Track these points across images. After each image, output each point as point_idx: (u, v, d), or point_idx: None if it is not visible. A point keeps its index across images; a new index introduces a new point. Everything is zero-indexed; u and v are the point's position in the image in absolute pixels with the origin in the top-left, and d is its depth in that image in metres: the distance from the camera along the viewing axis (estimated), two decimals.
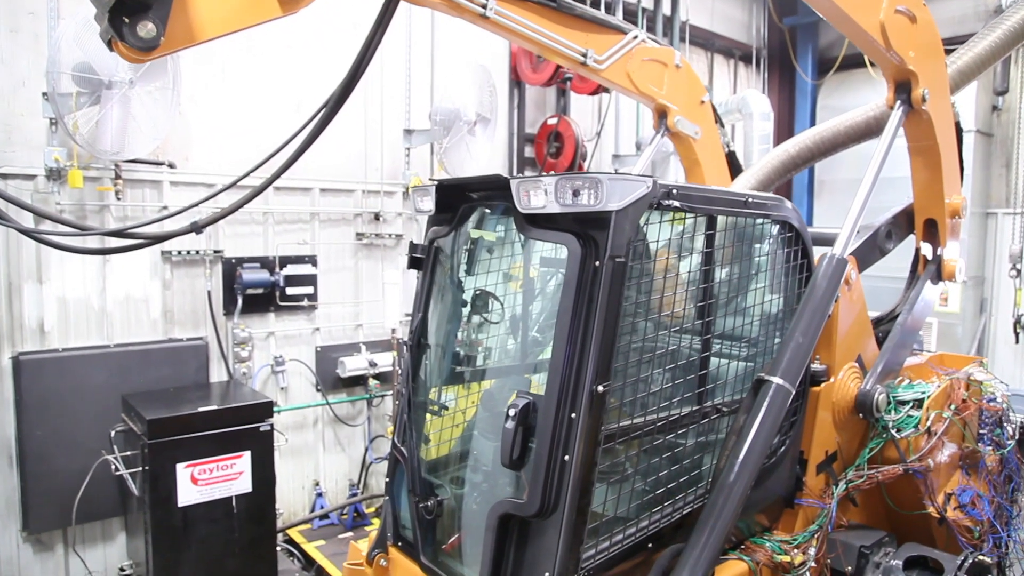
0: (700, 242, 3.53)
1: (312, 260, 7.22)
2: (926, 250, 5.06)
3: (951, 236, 4.98)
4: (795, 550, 4.00)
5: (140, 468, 5.45)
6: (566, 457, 3.03)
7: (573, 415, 3.02)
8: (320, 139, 7.26)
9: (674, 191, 3.23)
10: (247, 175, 4.51)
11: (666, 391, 3.36)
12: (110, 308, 6.22)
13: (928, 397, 4.50)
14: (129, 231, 4.62)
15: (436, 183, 3.74)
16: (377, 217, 7.67)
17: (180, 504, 5.46)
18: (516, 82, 8.84)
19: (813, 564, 3.99)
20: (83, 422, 5.96)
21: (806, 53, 11.77)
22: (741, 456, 3.42)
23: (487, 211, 3.88)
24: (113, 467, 5.48)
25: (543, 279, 4.18)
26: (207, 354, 6.63)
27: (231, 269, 6.73)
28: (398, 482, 4.02)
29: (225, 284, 6.74)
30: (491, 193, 3.62)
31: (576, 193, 3.01)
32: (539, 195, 3.07)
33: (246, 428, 5.72)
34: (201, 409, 5.61)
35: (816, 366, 4.27)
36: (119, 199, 6.03)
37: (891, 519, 4.64)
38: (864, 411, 4.34)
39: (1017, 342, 9.65)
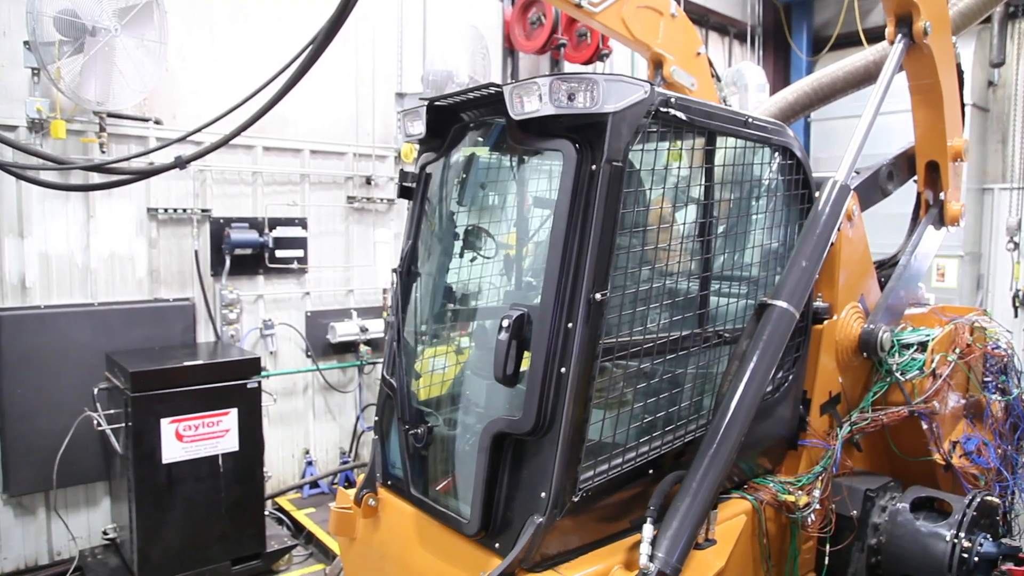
0: (699, 161, 3.42)
1: (302, 223, 7.08)
2: (928, 194, 4.97)
3: (953, 180, 4.89)
4: (799, 491, 3.88)
5: (123, 424, 5.30)
6: (562, 370, 2.91)
7: (570, 325, 2.90)
8: (310, 100, 7.19)
9: (672, 100, 3.11)
10: (237, 107, 4.38)
11: (665, 310, 3.24)
12: (94, 265, 6.07)
13: (932, 340, 4.40)
14: (111, 165, 4.50)
15: (426, 103, 3.61)
16: (369, 181, 7.54)
17: (164, 461, 5.31)
18: (509, 50, 8.73)
19: (817, 506, 3.87)
20: (66, 381, 5.80)
21: (801, 31, 11.69)
22: (745, 379, 3.31)
23: (480, 138, 3.76)
24: (95, 422, 5.33)
25: (538, 215, 4.06)
26: (194, 315, 6.48)
27: (219, 229, 6.58)
28: (387, 420, 3.88)
29: (213, 244, 6.60)
30: (483, 110, 3.49)
31: (571, 96, 2.90)
32: (533, 99, 2.94)
33: (233, 385, 5.57)
34: (186, 363, 5.46)
35: (818, 304, 4.17)
36: (104, 152, 5.88)
37: (895, 467, 4.53)
38: (868, 350, 4.24)
39: (1016, 316, 9.58)
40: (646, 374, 3.20)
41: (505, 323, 2.92)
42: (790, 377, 3.95)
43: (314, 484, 7.25)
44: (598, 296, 2.90)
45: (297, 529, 6.51)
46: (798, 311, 3.49)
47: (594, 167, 2.91)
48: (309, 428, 7.39)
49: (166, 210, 6.33)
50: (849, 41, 10.83)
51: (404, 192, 3.94)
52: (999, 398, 4.84)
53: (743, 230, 3.67)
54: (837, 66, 5.36)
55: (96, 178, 5.42)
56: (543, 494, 2.92)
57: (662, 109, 3.05)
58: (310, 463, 7.30)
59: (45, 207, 5.83)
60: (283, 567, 5.99)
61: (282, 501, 6.97)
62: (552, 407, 2.92)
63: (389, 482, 3.83)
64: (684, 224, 3.38)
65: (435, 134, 3.70)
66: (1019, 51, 9.85)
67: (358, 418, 7.59)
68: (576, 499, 2.95)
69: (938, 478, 4.46)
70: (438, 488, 3.50)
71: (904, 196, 5.20)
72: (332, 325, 7.21)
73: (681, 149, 3.27)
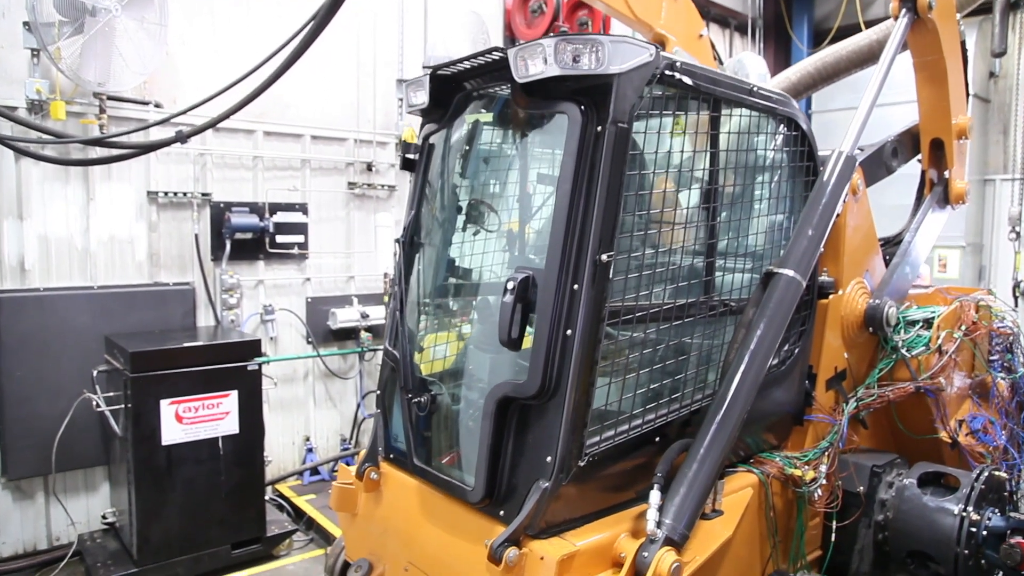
0: (704, 129, 3.39)
1: (303, 208, 7.04)
2: (932, 173, 4.95)
3: (958, 157, 4.86)
4: (805, 466, 3.85)
5: (123, 406, 5.26)
6: (568, 332, 2.88)
7: (575, 287, 2.87)
8: (311, 85, 7.17)
9: (678, 64, 3.09)
10: (239, 81, 4.36)
11: (670, 276, 3.22)
12: (94, 248, 6.03)
13: (938, 316, 4.38)
14: (111, 139, 4.47)
15: (429, 71, 3.58)
16: (370, 167, 7.50)
17: (164, 442, 5.27)
18: (510, 39, 8.71)
19: (824, 482, 3.84)
20: (65, 364, 5.76)
21: (802, 23, 11.68)
22: (751, 347, 3.28)
23: (483, 109, 3.73)
24: (94, 403, 5.29)
25: (541, 191, 4.03)
26: (194, 299, 6.44)
27: (219, 213, 6.55)
28: (390, 393, 3.85)
29: (213, 229, 6.56)
30: (487, 78, 3.46)
31: (576, 58, 2.87)
32: (537, 61, 2.92)
33: (233, 367, 5.53)
34: (186, 344, 5.42)
35: (824, 278, 4.14)
36: (103, 134, 5.84)
37: (900, 446, 4.50)
38: (874, 325, 4.22)
39: (1016, 306, 9.55)
40: (652, 340, 3.17)
41: (510, 285, 2.89)
42: (796, 351, 3.92)
43: (315, 471, 7.20)
44: (604, 257, 2.87)
45: (297, 515, 6.47)
46: (805, 279, 3.47)
47: (599, 128, 2.89)
48: (309, 415, 7.34)
49: (166, 193, 6.29)
50: (849, 33, 10.82)
51: (407, 164, 3.91)
52: (1005, 376, 4.81)
53: (747, 199, 3.65)
54: (840, 45, 5.35)
55: (97, 156, 5.38)
56: (548, 458, 2.89)
57: (667, 73, 3.02)
58: (310, 450, 7.25)
59: (44, 189, 5.80)
60: (283, 552, 5.94)
61: (282, 488, 6.92)
62: (558, 370, 2.89)
63: (391, 456, 3.80)
64: (689, 190, 3.35)
65: (438, 104, 3.68)
66: (1020, 41, 9.84)
67: (359, 405, 7.55)
68: (582, 464, 2.92)
69: (944, 456, 4.43)
70: (442, 459, 3.47)
71: (908, 186, 5.18)
72: (333, 311, 7.17)
73: (686, 114, 3.24)
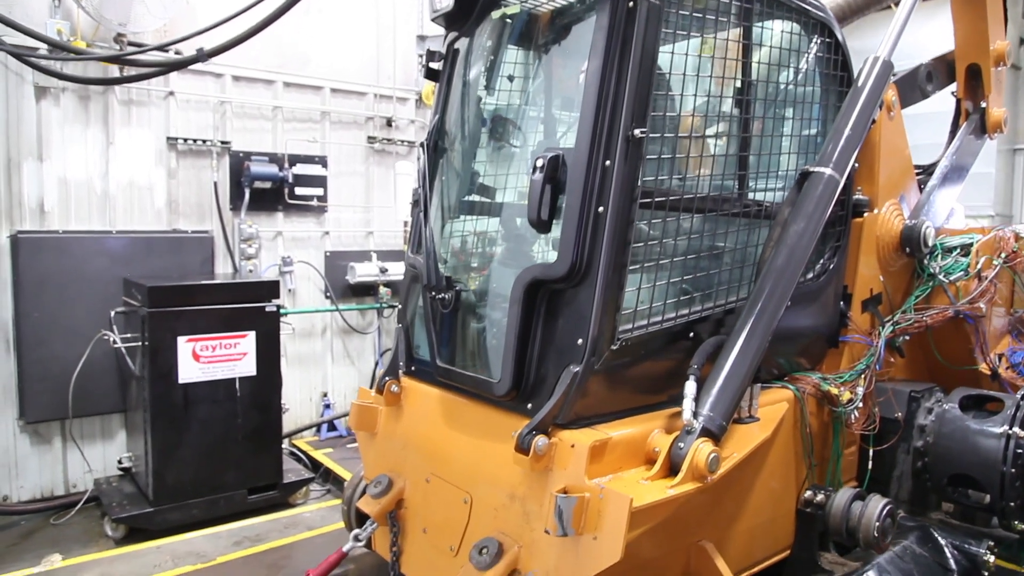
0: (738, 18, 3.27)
1: (322, 161, 6.98)
2: (968, 104, 4.80)
3: (996, 84, 4.71)
4: (842, 387, 3.70)
5: (140, 343, 5.20)
6: (600, 209, 2.78)
7: (607, 163, 2.77)
8: (331, 39, 7.09)
9: None
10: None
11: (704, 164, 3.10)
12: (113, 192, 6.00)
13: (977, 242, 4.24)
14: (129, 56, 4.41)
15: None
16: (389, 123, 7.43)
17: (181, 381, 5.19)
18: None
19: (860, 404, 3.70)
20: (83, 307, 5.72)
21: None
22: (790, 243, 3.16)
23: (508, 19, 3.63)
24: (111, 340, 5.23)
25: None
26: (212, 248, 6.39)
27: (238, 163, 6.50)
28: (412, 306, 3.76)
29: (232, 178, 6.51)
30: None
31: None
32: None
33: (251, 307, 5.45)
34: (204, 281, 5.36)
35: (858, 196, 4.01)
36: (122, 74, 5.82)
37: (937, 378, 4.34)
38: (911, 246, 4.09)
39: None
40: (684, 229, 3.06)
41: (539, 163, 2.79)
42: (831, 267, 3.79)
43: (331, 427, 7.12)
44: (637, 133, 2.77)
45: (314, 469, 6.37)
46: (842, 177, 3.34)
47: (632, 3, 2.79)
48: (327, 371, 7.26)
49: (185, 140, 6.25)
50: None
51: (431, 74, 3.83)
52: None
53: (781, 99, 3.53)
54: None
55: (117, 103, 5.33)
56: (580, 341, 2.78)
57: None
58: (328, 406, 7.17)
59: (64, 131, 5.77)
60: (300, 500, 5.85)
61: (299, 443, 6.84)
62: (589, 250, 2.78)
63: (413, 368, 3.71)
64: (723, 79, 3.23)
65: (463, 9, 3.59)
66: None
67: (377, 362, 7.46)
68: (615, 348, 2.81)
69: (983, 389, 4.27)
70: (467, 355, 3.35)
71: (943, 123, 5.03)
72: (352, 265, 7.09)
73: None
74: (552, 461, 2.79)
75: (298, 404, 7.06)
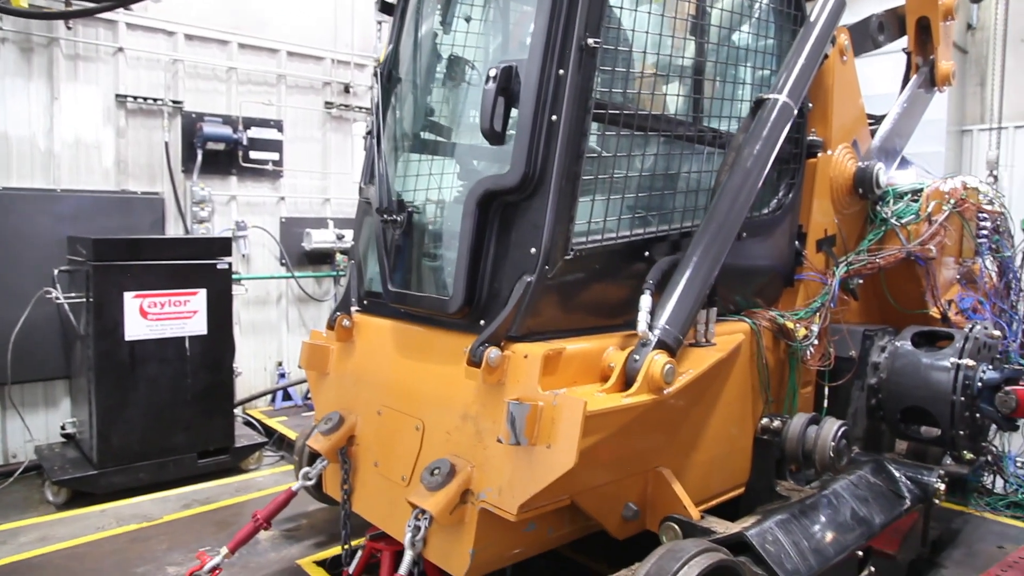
0: None
1: (278, 125, 6.83)
2: (918, 58, 4.89)
3: (944, 38, 4.81)
4: (798, 324, 3.72)
5: (84, 300, 5.00)
6: (553, 117, 2.73)
7: (561, 71, 2.73)
8: (287, 0, 6.94)
9: None
10: None
11: (657, 83, 3.09)
12: (58, 150, 5.78)
13: (928, 188, 4.32)
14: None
15: None
16: (347, 89, 7.32)
17: (127, 338, 5.02)
18: None
19: (816, 341, 3.72)
20: (24, 267, 5.49)
21: None
22: (746, 165, 3.16)
23: None
24: (54, 296, 5.02)
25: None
26: (163, 210, 6.20)
27: (191, 123, 6.32)
28: (365, 239, 3.67)
29: (184, 140, 6.33)
30: None
31: None
32: None
33: (201, 263, 5.30)
34: (152, 236, 5.18)
35: (812, 137, 4.05)
36: (69, 28, 5.62)
37: (890, 323, 4.39)
38: (864, 186, 4.14)
39: None
40: (639, 147, 3.03)
41: (492, 73, 2.74)
42: (786, 202, 3.81)
43: (287, 395, 6.95)
44: (591, 42, 2.73)
45: (268, 436, 6.20)
46: (796, 105, 3.36)
47: None
48: (282, 340, 7.10)
49: (135, 99, 6.06)
50: None
51: (385, 7, 3.76)
52: (993, 257, 4.75)
53: (737, 27, 3.54)
54: None
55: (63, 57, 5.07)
56: (533, 250, 2.73)
57: None
58: (282, 375, 7.00)
59: (5, 84, 5.55)
60: (252, 466, 5.69)
61: (254, 412, 6.66)
62: (543, 159, 2.74)
63: (365, 302, 3.62)
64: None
65: None
66: None
67: None
68: (568, 258, 2.76)
69: None
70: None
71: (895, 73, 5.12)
72: (308, 231, 6.95)
73: None
74: (505, 375, 2.73)
75: (252, 373, 6.88)
